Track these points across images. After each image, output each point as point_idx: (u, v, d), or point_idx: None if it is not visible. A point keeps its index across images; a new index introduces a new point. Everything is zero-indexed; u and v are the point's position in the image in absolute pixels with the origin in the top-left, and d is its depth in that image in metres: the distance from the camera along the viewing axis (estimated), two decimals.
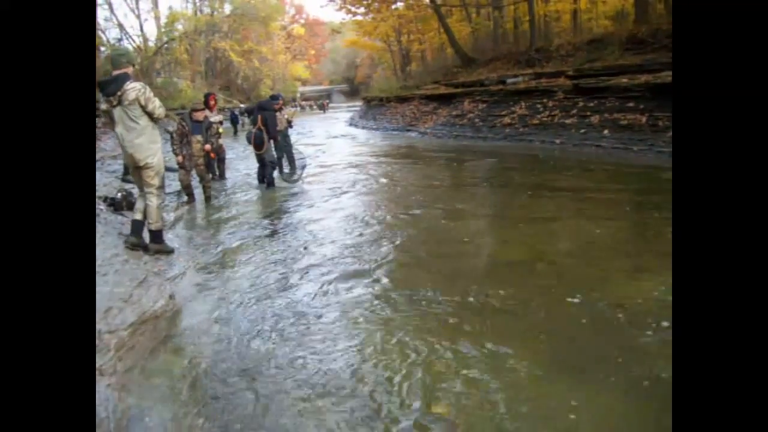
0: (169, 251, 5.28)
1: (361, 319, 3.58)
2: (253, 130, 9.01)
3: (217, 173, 10.26)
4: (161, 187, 5.14)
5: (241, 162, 13.33)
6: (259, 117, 8.99)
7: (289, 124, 11.04)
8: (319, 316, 3.67)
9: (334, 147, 16.42)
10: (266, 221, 6.81)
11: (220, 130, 9.73)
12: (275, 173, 9.43)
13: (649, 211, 6.16)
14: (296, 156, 10.51)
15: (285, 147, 10.86)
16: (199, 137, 8.01)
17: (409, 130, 19.91)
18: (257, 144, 8.99)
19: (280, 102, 10.22)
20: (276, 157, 9.36)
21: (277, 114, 10.53)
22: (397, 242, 5.41)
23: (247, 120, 17.72)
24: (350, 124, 27.46)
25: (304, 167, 10.29)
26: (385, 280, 4.31)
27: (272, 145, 9.18)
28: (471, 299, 3.80)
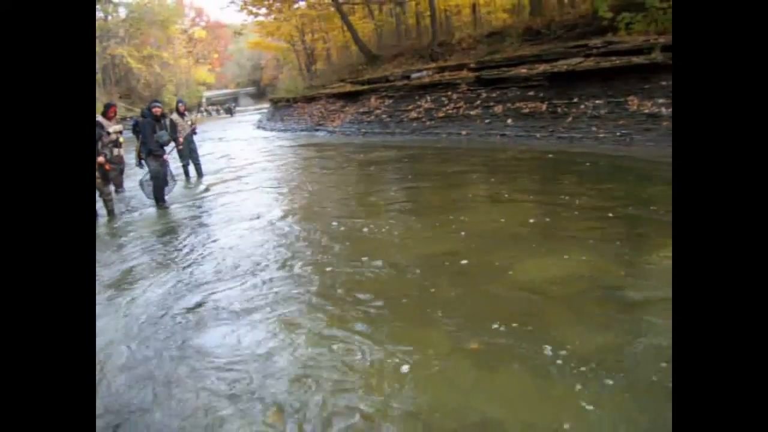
0: None
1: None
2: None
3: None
4: None
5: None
6: None
7: (193, 130, 10.47)
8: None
9: (240, 151, 15.77)
10: (172, 229, 6.55)
11: (121, 139, 9.00)
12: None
13: (549, 192, 6.36)
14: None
15: (190, 154, 10.34)
16: None
17: (317, 130, 19.52)
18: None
19: (160, 107, 8.49)
20: (160, 171, 8.04)
21: (180, 120, 10.02)
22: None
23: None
24: (258, 127, 26.63)
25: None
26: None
27: (150, 159, 7.98)
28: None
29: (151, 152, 7.95)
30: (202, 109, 56.05)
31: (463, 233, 4.94)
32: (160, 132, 8.10)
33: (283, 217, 6.38)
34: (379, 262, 4.35)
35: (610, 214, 5.08)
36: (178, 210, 7.69)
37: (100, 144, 7.59)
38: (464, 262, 4.19)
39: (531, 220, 5.18)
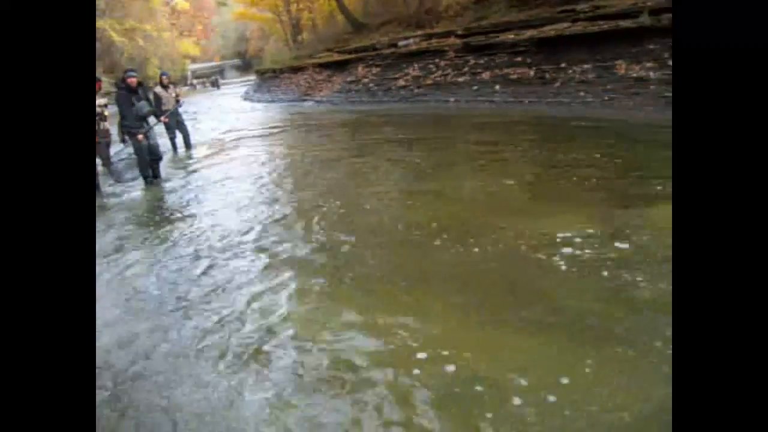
0: None
1: None
2: None
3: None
4: None
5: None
6: None
7: (178, 102, 10.22)
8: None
9: (226, 123, 15.51)
10: (160, 201, 6.53)
11: (106, 113, 8.85)
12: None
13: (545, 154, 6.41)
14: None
15: (177, 125, 10.22)
16: None
17: (304, 100, 19.34)
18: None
19: (135, 77, 7.55)
20: (143, 146, 7.28)
21: (164, 93, 9.86)
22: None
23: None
24: (245, 99, 26.30)
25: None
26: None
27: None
28: None
29: (128, 129, 7.28)
30: (189, 82, 55.30)
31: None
32: (139, 104, 7.27)
33: (276, 185, 6.40)
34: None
35: (597, 176, 5.15)
36: (166, 182, 7.57)
37: None
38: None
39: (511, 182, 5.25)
